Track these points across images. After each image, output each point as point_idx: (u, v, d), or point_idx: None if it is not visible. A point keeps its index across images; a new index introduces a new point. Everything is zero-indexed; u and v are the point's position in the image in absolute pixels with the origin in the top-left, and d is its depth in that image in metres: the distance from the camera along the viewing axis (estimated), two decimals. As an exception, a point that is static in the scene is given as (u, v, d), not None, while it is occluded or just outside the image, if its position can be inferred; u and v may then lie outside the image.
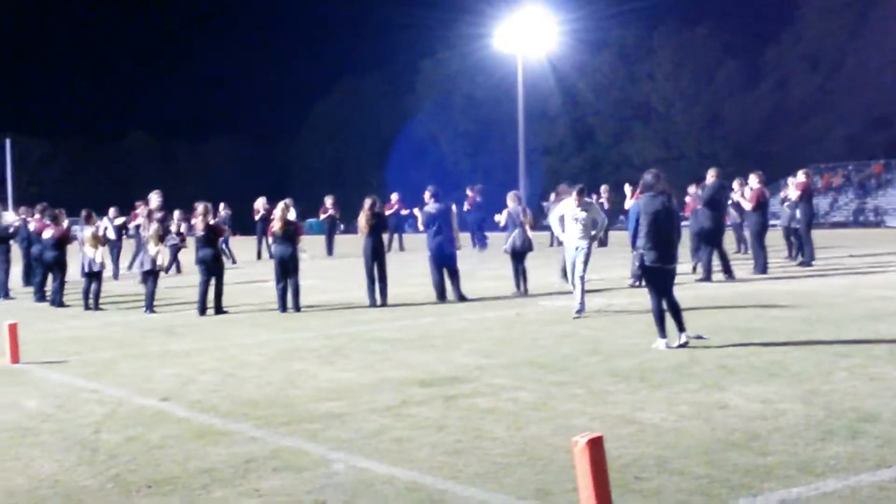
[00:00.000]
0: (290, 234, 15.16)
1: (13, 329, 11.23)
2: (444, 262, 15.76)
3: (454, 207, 16.31)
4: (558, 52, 55.75)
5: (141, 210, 19.89)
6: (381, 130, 79.51)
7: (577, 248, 13.34)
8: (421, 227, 16.50)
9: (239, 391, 9.18)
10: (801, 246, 19.89)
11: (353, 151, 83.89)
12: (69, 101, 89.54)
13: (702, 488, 5.56)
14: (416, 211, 16.60)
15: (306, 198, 58.35)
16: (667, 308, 10.39)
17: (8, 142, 70.22)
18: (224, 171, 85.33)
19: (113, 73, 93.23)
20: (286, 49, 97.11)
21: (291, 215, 16.38)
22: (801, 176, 19.85)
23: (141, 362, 11.13)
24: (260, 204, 29.65)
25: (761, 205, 17.84)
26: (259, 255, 29.44)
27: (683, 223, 13.83)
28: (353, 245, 22.67)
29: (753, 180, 18.21)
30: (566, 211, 13.58)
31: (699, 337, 10.74)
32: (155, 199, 20.76)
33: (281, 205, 15.44)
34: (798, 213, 19.98)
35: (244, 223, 41.64)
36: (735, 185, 19.22)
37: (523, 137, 51.10)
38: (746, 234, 20.49)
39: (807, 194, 19.72)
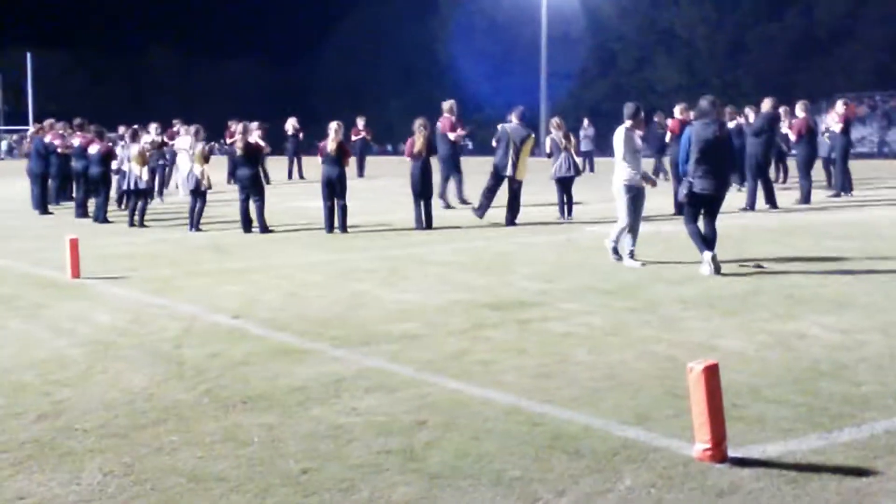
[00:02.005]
0: (340, 156, 15.14)
1: (74, 244, 11.28)
2: (510, 184, 15.81)
3: (533, 136, 16.16)
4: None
5: (182, 129, 19.76)
6: (402, 52, 78.73)
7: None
8: (494, 143, 16.35)
9: (307, 310, 9.25)
10: (837, 176, 19.76)
11: (374, 73, 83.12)
12: (89, 14, 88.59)
13: (803, 416, 5.61)
14: (500, 126, 16.43)
15: (326, 119, 57.95)
16: (705, 233, 10.43)
17: (28, 55, 69.76)
18: (245, 90, 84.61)
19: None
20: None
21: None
22: (840, 106, 19.64)
23: (200, 279, 11.21)
24: (290, 124, 29.58)
25: (807, 134, 17.73)
26: (290, 175, 29.45)
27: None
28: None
29: (799, 110, 18.08)
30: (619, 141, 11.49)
31: (759, 266, 10.76)
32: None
33: (334, 125, 15.38)
34: (835, 144, 19.82)
35: (273, 143, 41.39)
36: (781, 114, 19.06)
37: (545, 61, 50.56)
38: (791, 163, 20.38)
39: (847, 125, 19.56)
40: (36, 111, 69.87)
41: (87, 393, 6.60)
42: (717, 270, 10.25)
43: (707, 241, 10.39)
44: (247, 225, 15.49)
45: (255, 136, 16.60)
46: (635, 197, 11.25)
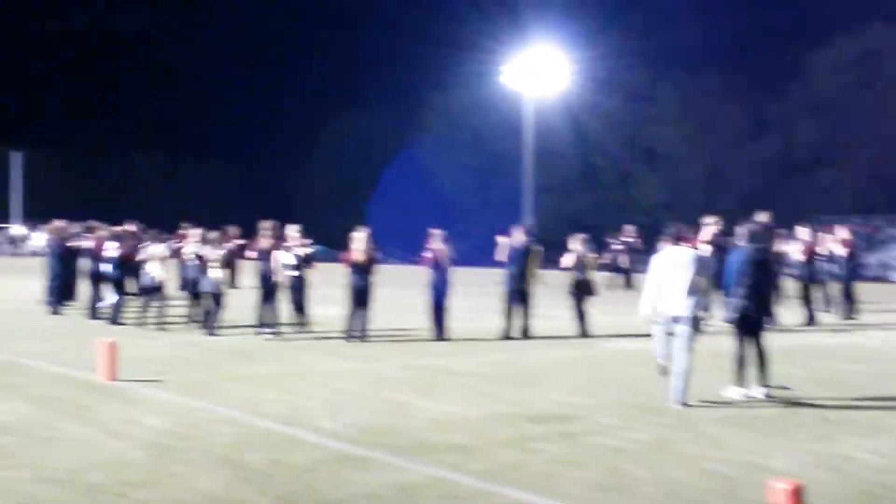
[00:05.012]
0: (370, 266, 15.46)
1: (112, 347, 11.46)
2: (521, 297, 16.10)
3: (542, 248, 16.62)
4: (568, 90, 56.28)
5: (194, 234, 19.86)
6: (384, 162, 79.93)
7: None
8: (502, 258, 16.76)
9: (354, 418, 9.42)
10: (843, 300, 20.02)
11: (356, 181, 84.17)
12: (76, 116, 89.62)
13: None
14: (500, 239, 16.85)
15: (309, 224, 58.35)
16: (756, 357, 10.69)
17: (20, 155, 70.45)
18: (226, 193, 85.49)
19: (120, 91, 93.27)
20: (292, 79, 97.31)
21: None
22: (843, 232, 20.17)
23: (237, 384, 11.36)
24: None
25: (811, 257, 18.27)
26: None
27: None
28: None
29: (804, 233, 18.65)
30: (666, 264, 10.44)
31: (784, 387, 11.04)
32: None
33: (363, 235, 15.62)
34: (837, 269, 20.17)
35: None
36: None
37: (530, 175, 51.57)
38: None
39: (853, 250, 20.06)
40: (25, 210, 70.28)
41: (162, 495, 6.76)
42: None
43: (762, 369, 10.63)
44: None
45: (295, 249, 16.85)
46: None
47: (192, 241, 16.86)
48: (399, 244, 65.83)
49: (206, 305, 16.63)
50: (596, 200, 70.11)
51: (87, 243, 19.92)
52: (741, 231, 11.17)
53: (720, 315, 11.08)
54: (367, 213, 75.60)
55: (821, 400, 10.58)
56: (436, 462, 7.70)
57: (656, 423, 9.27)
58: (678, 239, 10.70)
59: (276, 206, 73.77)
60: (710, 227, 17.65)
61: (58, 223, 20.88)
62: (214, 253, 16.58)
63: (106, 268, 18.15)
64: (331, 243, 55.70)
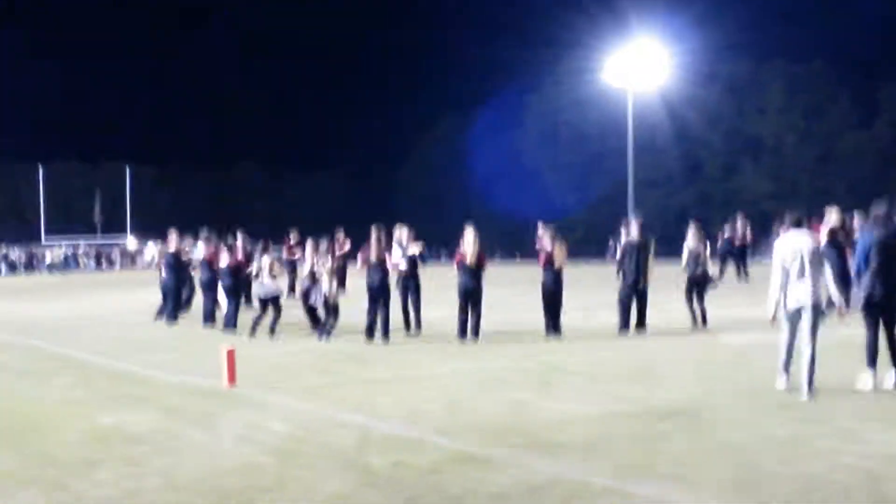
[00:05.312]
0: (479, 265, 15.42)
1: (231, 354, 11.61)
2: (639, 293, 15.93)
3: (654, 242, 16.40)
4: (668, 84, 55.52)
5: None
6: (486, 164, 79.82)
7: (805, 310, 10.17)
8: (618, 255, 16.61)
9: (474, 418, 9.37)
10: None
11: (458, 185, 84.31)
12: (180, 130, 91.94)
13: None
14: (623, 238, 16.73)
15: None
16: (887, 345, 10.31)
17: (127, 169, 72.47)
18: (330, 203, 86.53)
19: (226, 104, 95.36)
20: (394, 85, 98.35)
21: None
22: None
23: (355, 388, 11.40)
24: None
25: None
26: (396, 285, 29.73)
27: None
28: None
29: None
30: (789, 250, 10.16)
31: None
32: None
33: (472, 234, 15.58)
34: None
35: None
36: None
37: (632, 170, 51.04)
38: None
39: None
40: (133, 223, 72.21)
41: (291, 499, 6.79)
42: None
43: (874, 357, 10.26)
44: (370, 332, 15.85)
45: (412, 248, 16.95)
46: None
47: (308, 253, 17.07)
48: (505, 244, 65.93)
49: (318, 313, 16.81)
50: (700, 194, 69.09)
51: (199, 254, 20.30)
52: (867, 217, 10.78)
53: (848, 302, 10.70)
54: (471, 216, 75.69)
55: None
56: (561, 461, 7.58)
57: (786, 416, 8.99)
58: (798, 224, 10.41)
59: (379, 214, 74.60)
60: (833, 216, 17.19)
61: (172, 235, 21.29)
62: (326, 262, 16.73)
63: (220, 277, 18.47)
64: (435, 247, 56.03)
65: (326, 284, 16.52)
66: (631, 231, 16.37)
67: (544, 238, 15.68)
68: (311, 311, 17.08)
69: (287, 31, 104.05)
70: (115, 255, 65.97)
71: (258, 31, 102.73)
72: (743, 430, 8.43)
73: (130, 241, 69.06)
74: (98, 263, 63.37)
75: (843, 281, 17.20)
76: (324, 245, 17.45)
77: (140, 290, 31.50)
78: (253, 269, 17.97)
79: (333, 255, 17.62)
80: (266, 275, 17.12)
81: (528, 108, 78.55)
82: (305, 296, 17.04)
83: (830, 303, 10.39)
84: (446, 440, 8.43)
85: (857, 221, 18.76)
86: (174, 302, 20.25)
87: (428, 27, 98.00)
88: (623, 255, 16.21)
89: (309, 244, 17.50)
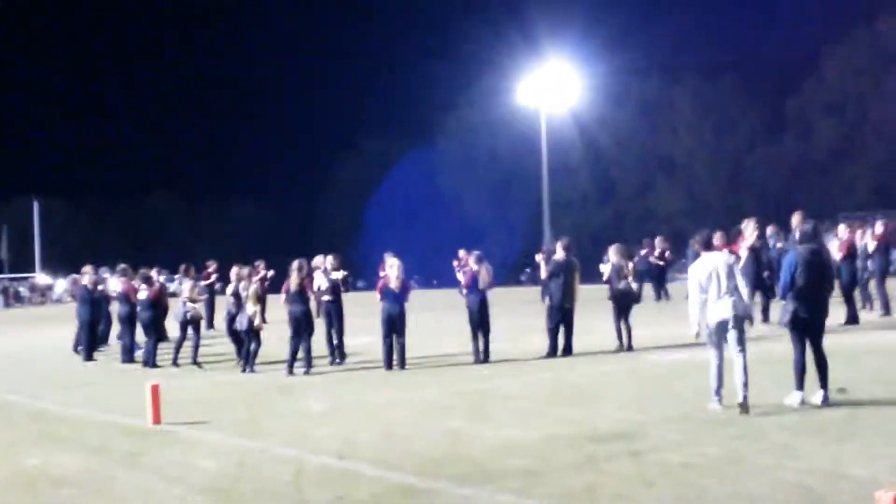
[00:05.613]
0: (402, 292, 15.30)
1: (155, 390, 11.29)
2: (564, 314, 15.90)
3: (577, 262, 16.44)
4: (580, 105, 56.12)
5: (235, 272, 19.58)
6: (402, 187, 79.79)
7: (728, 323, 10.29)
8: (543, 276, 16.65)
9: (410, 448, 9.23)
10: (877, 298, 19.75)
11: (375, 209, 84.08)
12: (90, 161, 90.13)
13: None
14: (538, 258, 16.81)
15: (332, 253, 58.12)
16: (814, 362, 10.40)
17: (35, 203, 70.75)
18: (246, 232, 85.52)
19: (135, 133, 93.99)
20: (304, 110, 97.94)
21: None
22: (878, 227, 19.86)
23: (285, 421, 11.18)
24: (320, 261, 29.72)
25: (851, 254, 18.00)
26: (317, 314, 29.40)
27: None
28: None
29: (842, 230, 18.41)
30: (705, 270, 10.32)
31: (842, 390, 10.75)
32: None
33: (396, 263, 15.52)
34: (870, 265, 19.91)
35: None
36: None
37: (547, 192, 51.36)
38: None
39: (884, 245, 19.75)
40: (43, 257, 70.49)
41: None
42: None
43: (821, 373, 10.34)
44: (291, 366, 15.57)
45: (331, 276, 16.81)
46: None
47: (233, 276, 16.85)
48: (423, 269, 65.78)
49: (243, 342, 16.51)
50: (615, 213, 69.93)
51: (115, 287, 19.82)
52: (779, 229, 10.94)
53: (766, 312, 10.83)
54: (390, 239, 75.60)
55: (882, 401, 10.31)
56: (503, 489, 7.48)
57: (722, 435, 9.01)
58: (708, 245, 10.56)
59: (297, 240, 74.08)
60: (750, 230, 17.46)
61: (86, 269, 20.77)
62: (249, 289, 16.46)
63: (138, 311, 18.05)
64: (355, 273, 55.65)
65: (251, 308, 16.23)
66: (557, 252, 16.42)
67: (468, 259, 15.68)
68: (235, 336, 16.77)
69: (201, 60, 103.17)
70: (25, 291, 64.25)
71: (172, 60, 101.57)
72: (682, 451, 8.43)
73: (42, 278, 67.38)
74: (6, 301, 61.61)
75: (761, 287, 17.57)
76: (246, 270, 17.27)
77: (54, 325, 30.66)
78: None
79: (260, 280, 17.36)
80: (185, 297, 16.76)
81: (441, 129, 78.76)
82: (230, 320, 16.74)
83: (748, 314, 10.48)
84: (385, 472, 8.27)
85: (769, 230, 19.14)
86: (88, 337, 19.68)
87: (343, 53, 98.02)
88: (549, 276, 16.24)
89: (234, 269, 17.30)
